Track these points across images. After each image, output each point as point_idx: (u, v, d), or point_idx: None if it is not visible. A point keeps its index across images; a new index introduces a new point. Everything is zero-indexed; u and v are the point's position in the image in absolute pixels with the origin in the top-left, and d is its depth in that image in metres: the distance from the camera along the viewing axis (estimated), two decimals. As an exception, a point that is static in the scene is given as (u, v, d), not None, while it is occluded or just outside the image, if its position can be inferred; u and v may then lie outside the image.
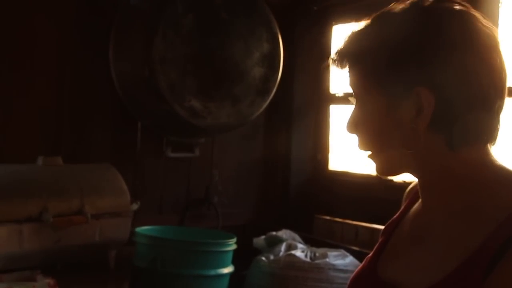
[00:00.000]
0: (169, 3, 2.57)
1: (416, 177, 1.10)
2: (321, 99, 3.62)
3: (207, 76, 2.72)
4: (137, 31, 2.65)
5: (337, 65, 1.10)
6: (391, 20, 1.06)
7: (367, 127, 1.07)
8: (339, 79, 3.54)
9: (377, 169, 1.11)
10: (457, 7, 1.02)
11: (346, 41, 1.10)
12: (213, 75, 2.73)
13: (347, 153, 3.55)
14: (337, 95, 3.55)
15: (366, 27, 1.08)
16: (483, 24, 1.01)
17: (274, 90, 2.96)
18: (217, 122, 2.79)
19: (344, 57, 1.08)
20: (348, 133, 1.12)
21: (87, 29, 2.77)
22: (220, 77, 2.76)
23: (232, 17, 2.76)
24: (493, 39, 1.02)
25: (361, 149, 1.11)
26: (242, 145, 3.46)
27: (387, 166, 1.10)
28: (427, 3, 1.03)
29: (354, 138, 1.13)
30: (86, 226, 2.26)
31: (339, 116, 3.58)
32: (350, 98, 1.15)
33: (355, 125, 1.09)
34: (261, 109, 2.95)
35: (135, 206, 2.47)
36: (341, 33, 3.57)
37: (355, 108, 1.10)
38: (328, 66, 1.15)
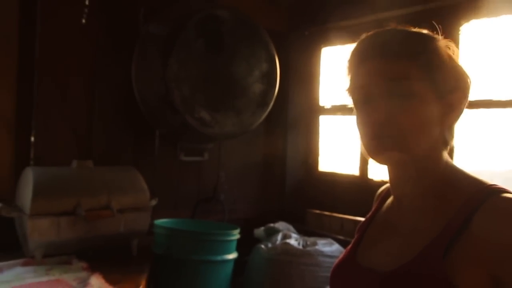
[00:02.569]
0: (182, 30, 2.56)
1: (396, 173, 1.08)
2: (312, 110, 3.63)
3: (215, 92, 2.71)
4: (155, 54, 2.65)
5: (383, 56, 0.99)
6: (421, 33, 1.03)
7: (416, 120, 0.98)
8: (326, 94, 3.58)
9: (391, 160, 1.04)
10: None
11: (397, 35, 1.03)
12: (219, 91, 2.73)
13: (334, 156, 3.57)
14: (325, 107, 3.56)
15: (404, 31, 1.03)
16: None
17: (272, 103, 2.95)
18: (223, 131, 2.78)
19: (402, 47, 0.99)
20: (384, 127, 0.99)
21: (114, 53, 2.78)
22: (226, 92, 2.75)
23: (236, 42, 2.76)
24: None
25: (389, 144, 0.99)
26: (244, 150, 3.46)
27: (413, 151, 1.00)
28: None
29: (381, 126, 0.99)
30: (113, 219, 2.26)
31: (327, 125, 3.59)
32: (365, 96, 1.03)
33: (393, 118, 0.98)
34: (261, 119, 2.94)
35: (153, 202, 2.47)
36: (329, 54, 3.59)
37: (395, 100, 0.98)
38: (354, 61, 1.05)
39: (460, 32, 2.64)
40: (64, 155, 2.53)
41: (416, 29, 1.04)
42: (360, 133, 1.06)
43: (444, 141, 1.05)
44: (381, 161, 1.05)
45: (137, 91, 2.79)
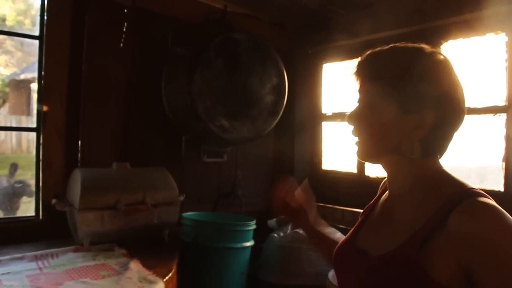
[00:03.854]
0: (204, 51, 2.58)
1: (387, 171, 1.11)
2: (315, 117, 3.64)
3: (233, 103, 2.72)
4: (181, 71, 2.66)
5: (360, 75, 1.07)
6: (406, 53, 1.03)
7: (374, 127, 1.04)
8: (328, 103, 3.59)
9: (360, 154, 1.09)
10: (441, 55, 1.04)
11: (372, 59, 1.06)
12: (237, 102, 2.73)
13: (335, 157, 3.58)
14: (327, 114, 3.57)
15: (387, 53, 1.05)
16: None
17: (282, 111, 2.95)
18: (240, 136, 2.78)
19: (371, 71, 1.05)
20: (349, 123, 1.09)
21: (147, 71, 2.80)
22: (242, 103, 2.76)
23: (250, 60, 2.77)
24: (455, 72, 1.03)
25: (355, 136, 1.08)
26: (258, 152, 3.46)
27: (370, 154, 1.08)
28: (421, 47, 1.03)
29: (351, 129, 1.09)
30: (147, 212, 2.26)
31: (329, 130, 3.60)
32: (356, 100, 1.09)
33: (359, 120, 1.06)
34: (272, 126, 2.94)
35: (181, 198, 2.47)
36: (329, 70, 3.61)
37: (366, 109, 1.05)
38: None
39: (440, 50, 2.64)
40: (106, 158, 2.56)
41: (408, 48, 1.04)
42: None
43: (426, 149, 1.03)
44: (358, 158, 1.13)
45: (166, 103, 2.80)
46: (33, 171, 2.41)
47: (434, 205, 0.97)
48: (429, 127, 1.00)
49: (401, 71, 1.00)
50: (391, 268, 0.96)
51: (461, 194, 0.94)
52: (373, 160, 1.10)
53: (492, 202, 0.92)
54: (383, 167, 1.12)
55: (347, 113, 1.10)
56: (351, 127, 1.09)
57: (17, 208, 3.38)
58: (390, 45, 1.06)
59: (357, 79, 1.09)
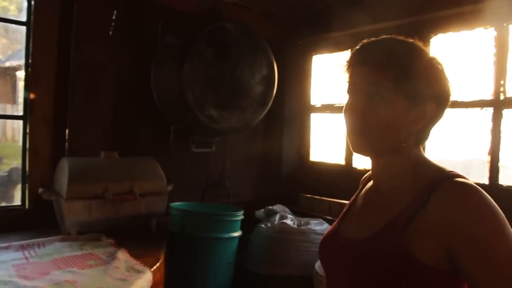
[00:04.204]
0: (194, 40, 2.56)
1: (377, 162, 1.11)
2: (304, 109, 3.65)
3: (222, 93, 2.70)
4: (171, 60, 2.64)
5: (363, 64, 1.03)
6: (407, 45, 1.03)
7: (384, 120, 1.01)
8: (317, 95, 3.60)
9: (357, 147, 1.06)
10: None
11: (376, 48, 1.04)
12: (226, 92, 2.72)
13: (323, 148, 3.60)
14: (316, 106, 3.58)
15: (390, 43, 1.04)
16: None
17: (271, 102, 2.94)
18: (229, 126, 2.78)
19: (378, 60, 1.01)
20: (352, 116, 1.04)
21: (136, 60, 2.78)
22: (231, 93, 2.75)
23: (240, 50, 2.75)
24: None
25: (356, 130, 1.04)
26: (246, 143, 3.47)
27: (374, 147, 1.05)
28: (416, 42, 1.04)
29: (352, 123, 1.04)
30: (135, 202, 2.26)
31: (317, 121, 3.62)
32: (352, 91, 1.06)
33: (368, 112, 1.02)
34: (261, 117, 2.94)
35: (169, 188, 2.46)
36: (318, 61, 3.62)
37: (374, 101, 1.01)
38: (350, 64, 1.07)
39: (430, 44, 2.68)
40: (94, 147, 2.54)
41: (406, 41, 1.05)
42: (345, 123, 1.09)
43: (418, 140, 1.07)
44: (353, 150, 1.10)
45: (155, 92, 2.79)
46: (19, 160, 2.38)
47: (415, 189, 1.00)
48: (427, 120, 1.04)
49: (408, 63, 1.01)
50: (376, 250, 0.98)
51: (441, 177, 0.97)
52: (375, 152, 1.07)
53: (470, 182, 0.94)
54: (374, 158, 1.12)
55: (347, 105, 1.06)
56: (353, 120, 1.04)
57: (12, 196, 3.32)
58: (385, 36, 1.06)
59: (358, 68, 1.04)
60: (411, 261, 0.92)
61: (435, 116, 1.05)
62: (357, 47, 1.08)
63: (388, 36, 1.06)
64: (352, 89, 1.07)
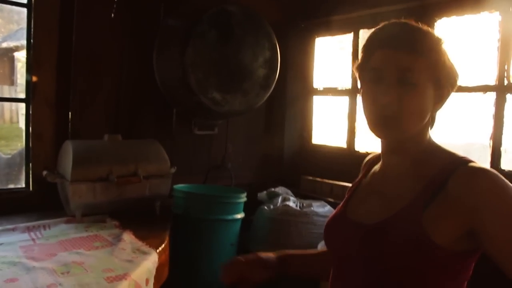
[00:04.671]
0: (197, 23, 2.55)
1: (391, 145, 1.10)
2: (307, 91, 3.63)
3: (225, 75, 2.69)
4: (174, 43, 2.62)
5: (399, 49, 0.99)
6: (426, 30, 1.03)
7: (418, 104, 1.01)
8: (319, 78, 3.58)
9: (388, 135, 1.06)
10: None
11: (404, 31, 1.01)
12: (229, 75, 2.71)
13: (325, 131, 3.59)
14: (318, 89, 3.56)
15: (413, 27, 1.02)
16: None
17: (273, 85, 2.92)
18: (232, 109, 2.77)
19: (414, 44, 0.99)
20: (381, 105, 1.01)
21: (138, 43, 2.77)
22: (234, 76, 2.74)
23: (243, 32, 2.73)
24: None
25: (390, 119, 1.01)
26: (249, 126, 3.46)
27: (405, 131, 1.03)
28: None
29: (384, 106, 1.00)
30: (139, 184, 2.26)
31: (320, 104, 3.60)
32: (379, 77, 1.02)
33: (398, 102, 0.99)
34: (264, 99, 2.93)
35: (173, 170, 2.46)
36: (321, 44, 3.59)
37: (402, 87, 0.99)
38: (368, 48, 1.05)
39: (434, 27, 2.64)
40: (97, 130, 2.53)
41: (425, 28, 1.04)
42: (366, 109, 1.07)
43: (431, 123, 1.10)
44: (380, 136, 1.08)
45: (158, 75, 2.77)
46: (17, 142, 2.38)
47: (429, 174, 1.02)
48: (443, 104, 1.07)
49: (435, 48, 1.02)
50: (391, 234, 0.99)
51: (457, 163, 1.00)
52: (402, 136, 1.05)
53: (486, 167, 0.98)
54: (386, 142, 1.11)
55: (374, 93, 1.03)
56: (385, 109, 1.01)
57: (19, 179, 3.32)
58: (401, 20, 1.05)
59: (386, 52, 1.01)
60: (427, 243, 0.95)
61: (447, 99, 1.07)
62: (380, 29, 1.06)
63: (403, 20, 1.05)
64: (378, 76, 1.03)
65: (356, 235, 1.08)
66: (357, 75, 1.13)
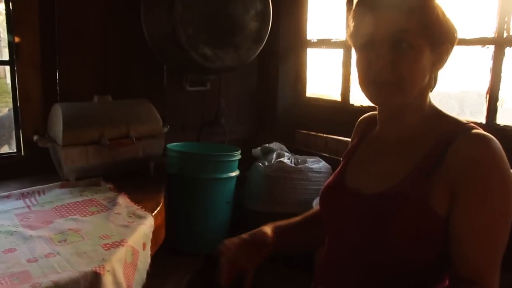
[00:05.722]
0: None
1: (391, 111, 1.07)
2: (300, 44, 3.57)
3: (216, 30, 2.63)
4: None
5: (390, 8, 0.95)
6: None
7: (413, 68, 0.97)
8: (313, 29, 3.51)
9: (388, 101, 1.02)
10: None
11: None
12: (220, 29, 2.65)
13: (319, 84, 3.56)
14: (312, 41, 3.50)
15: None
16: None
17: (266, 38, 2.86)
18: (223, 64, 2.72)
19: (405, 2, 0.96)
20: (377, 70, 0.97)
21: None
22: (225, 31, 2.68)
23: None
24: None
25: (388, 84, 0.97)
26: (242, 80, 3.42)
27: (406, 96, 1.00)
28: None
29: (380, 72, 0.97)
30: (132, 146, 2.25)
31: (314, 57, 3.55)
32: (371, 42, 0.99)
33: (394, 64, 0.96)
34: (256, 54, 2.87)
35: (165, 129, 2.45)
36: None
37: (397, 49, 0.96)
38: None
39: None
40: (86, 91, 2.48)
41: None
42: (360, 75, 1.03)
43: (430, 85, 1.06)
44: (377, 103, 1.06)
45: (147, 32, 2.70)
46: (6, 98, 2.32)
47: (432, 140, 1.00)
48: (444, 63, 1.03)
49: (428, 3, 0.97)
50: (392, 204, 0.98)
51: (459, 129, 0.98)
52: (400, 102, 1.02)
53: (487, 133, 0.96)
54: (385, 108, 1.09)
55: (367, 59, 1.00)
56: (382, 73, 0.97)
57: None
58: None
59: (377, 13, 0.97)
60: (429, 215, 0.94)
61: (448, 58, 1.03)
62: None
63: None
64: (370, 41, 1.00)
65: (354, 203, 1.06)
66: (351, 43, 1.09)
